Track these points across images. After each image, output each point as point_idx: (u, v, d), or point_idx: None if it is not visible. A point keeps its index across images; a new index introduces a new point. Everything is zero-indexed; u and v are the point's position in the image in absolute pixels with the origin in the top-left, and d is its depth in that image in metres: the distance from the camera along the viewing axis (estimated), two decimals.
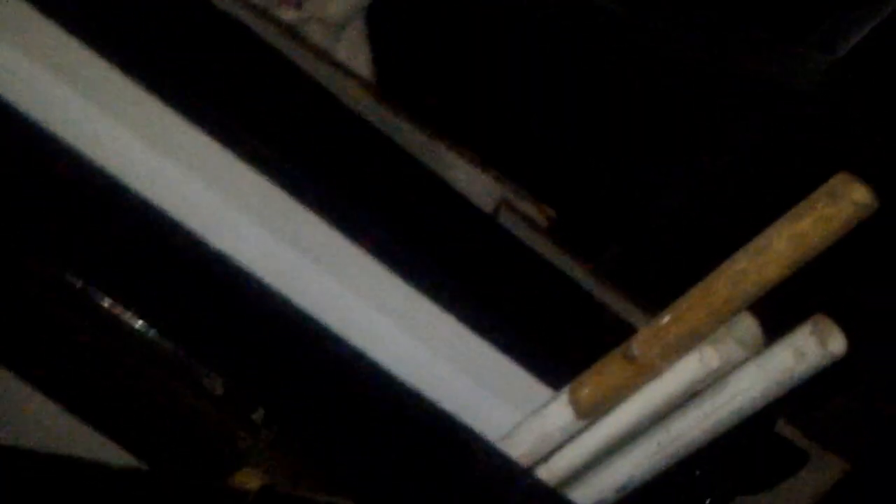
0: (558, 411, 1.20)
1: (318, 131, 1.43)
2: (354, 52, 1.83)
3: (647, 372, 1.13)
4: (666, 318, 1.11)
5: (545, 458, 1.25)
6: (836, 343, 1.10)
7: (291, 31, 1.54)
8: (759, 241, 1.04)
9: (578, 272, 1.50)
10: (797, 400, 1.35)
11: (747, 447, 1.49)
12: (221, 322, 1.21)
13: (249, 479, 1.12)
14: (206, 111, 1.35)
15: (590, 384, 1.17)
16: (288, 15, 1.78)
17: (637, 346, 1.13)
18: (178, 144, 1.35)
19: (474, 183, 1.53)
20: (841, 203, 0.98)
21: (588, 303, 1.47)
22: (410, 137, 1.50)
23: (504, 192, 1.52)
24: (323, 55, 1.52)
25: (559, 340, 1.39)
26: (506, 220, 1.49)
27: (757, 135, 2.68)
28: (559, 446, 1.23)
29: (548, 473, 1.25)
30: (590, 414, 1.18)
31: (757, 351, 1.14)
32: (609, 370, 1.15)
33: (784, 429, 1.53)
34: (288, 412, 1.24)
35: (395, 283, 1.37)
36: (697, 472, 1.35)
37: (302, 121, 1.43)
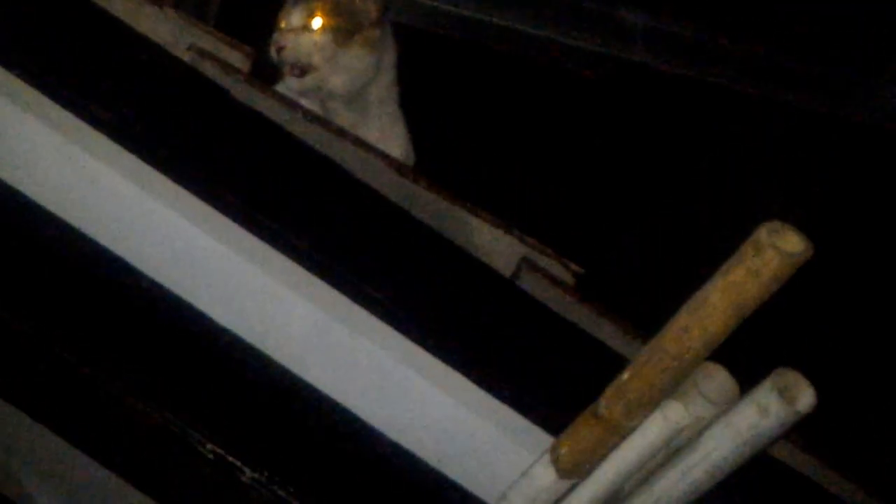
0: (542, 471, 1.19)
1: (338, 210, 1.49)
2: (386, 132, 1.91)
3: (616, 429, 1.12)
4: (626, 376, 1.10)
5: None
6: (805, 398, 1.06)
7: (317, 117, 1.62)
8: (697, 297, 1.02)
9: (606, 328, 1.49)
10: None
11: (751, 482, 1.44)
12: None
13: None
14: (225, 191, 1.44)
15: (567, 444, 1.17)
16: (295, 85, 1.87)
17: (604, 403, 1.12)
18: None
19: (497, 243, 1.54)
20: (768, 253, 0.96)
21: (613, 359, 1.46)
22: (434, 206, 1.54)
23: (526, 251, 1.53)
24: (345, 134, 1.59)
25: (574, 396, 1.38)
26: (528, 279, 1.50)
27: (832, 174, 2.60)
28: None
29: None
30: (571, 473, 1.17)
31: (730, 405, 1.11)
32: (582, 429, 1.15)
33: (799, 459, 1.46)
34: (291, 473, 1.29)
35: (411, 351, 1.41)
36: None
37: (322, 200, 1.49)
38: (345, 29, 1.87)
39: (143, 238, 1.39)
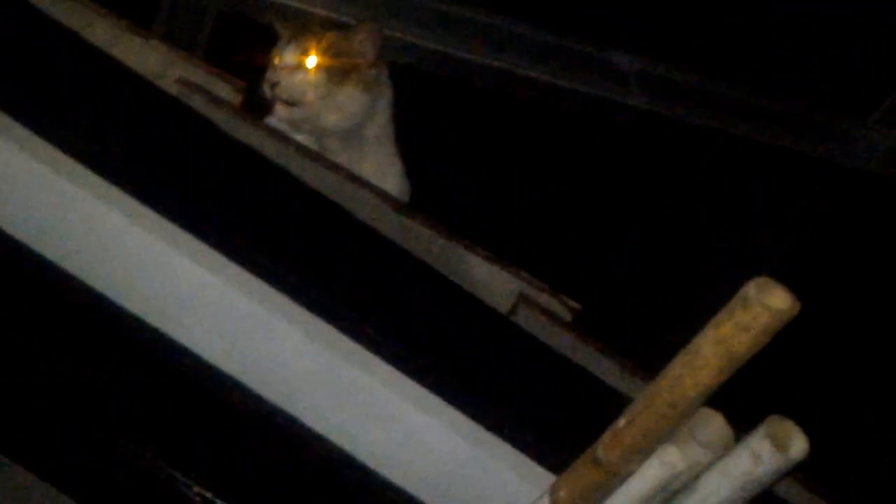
0: None
1: (333, 246, 1.49)
2: (383, 169, 1.93)
3: (613, 474, 1.14)
4: (622, 422, 1.11)
5: None
6: (797, 445, 1.07)
7: (311, 152, 1.63)
8: (690, 347, 1.03)
9: (604, 365, 1.51)
10: None
11: None
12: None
13: None
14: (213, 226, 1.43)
15: (565, 486, 1.18)
16: (283, 112, 1.89)
17: (601, 448, 1.13)
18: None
19: (494, 280, 1.56)
20: (754, 309, 0.97)
21: (611, 395, 1.47)
22: (431, 242, 1.55)
23: (524, 287, 1.55)
24: (340, 170, 1.59)
25: (573, 433, 1.40)
26: (525, 315, 1.51)
27: (820, 218, 2.63)
28: None
29: None
30: None
31: (725, 450, 1.12)
32: (580, 473, 1.16)
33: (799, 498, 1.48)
34: None
35: (407, 387, 1.41)
36: None
37: (316, 235, 1.50)
38: (340, 68, 1.87)
39: (127, 272, 1.39)
